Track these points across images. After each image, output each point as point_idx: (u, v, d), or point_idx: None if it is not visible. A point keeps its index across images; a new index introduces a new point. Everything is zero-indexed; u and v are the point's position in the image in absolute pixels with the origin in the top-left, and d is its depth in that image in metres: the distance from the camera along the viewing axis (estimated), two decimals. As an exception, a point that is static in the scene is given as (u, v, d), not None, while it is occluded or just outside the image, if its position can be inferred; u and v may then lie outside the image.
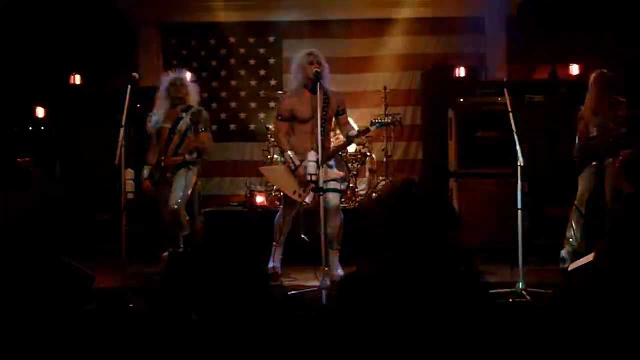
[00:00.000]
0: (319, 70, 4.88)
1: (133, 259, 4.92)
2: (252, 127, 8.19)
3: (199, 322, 2.83)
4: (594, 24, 7.16)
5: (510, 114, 4.87)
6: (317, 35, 7.95)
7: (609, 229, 3.45)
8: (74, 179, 6.73)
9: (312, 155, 4.76)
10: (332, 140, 5.49)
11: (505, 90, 5.04)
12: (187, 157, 5.45)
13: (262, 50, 8.22)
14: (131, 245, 4.64)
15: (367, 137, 5.23)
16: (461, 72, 6.91)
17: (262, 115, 8.12)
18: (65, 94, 6.92)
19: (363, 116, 7.27)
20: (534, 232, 5.39)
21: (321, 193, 4.67)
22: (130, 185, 4.70)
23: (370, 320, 2.13)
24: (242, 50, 8.19)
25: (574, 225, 5.54)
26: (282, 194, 5.21)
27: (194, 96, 5.57)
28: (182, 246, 5.38)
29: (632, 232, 2.12)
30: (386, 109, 7.09)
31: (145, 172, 5.45)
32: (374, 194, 6.88)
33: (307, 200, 5.06)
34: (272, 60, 8.19)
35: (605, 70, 5.55)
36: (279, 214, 5.32)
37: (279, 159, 6.58)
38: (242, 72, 8.18)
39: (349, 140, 5.10)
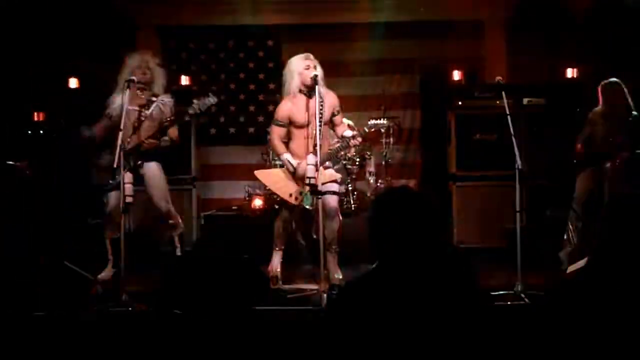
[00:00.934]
0: (317, 73, 4.89)
1: (131, 260, 4.92)
2: (251, 130, 8.20)
3: (197, 323, 2.83)
4: (592, 26, 7.16)
5: (509, 117, 4.87)
6: (316, 39, 7.95)
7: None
8: (71, 181, 6.72)
9: (310, 158, 4.75)
10: (332, 142, 5.48)
11: (504, 93, 5.04)
12: (163, 142, 5.19)
13: (261, 54, 8.23)
14: (129, 248, 4.63)
15: (363, 137, 5.20)
16: (460, 75, 6.91)
17: (261, 119, 8.12)
18: (63, 96, 6.92)
19: (361, 120, 7.26)
20: (533, 234, 5.38)
21: (319, 197, 4.68)
22: (128, 188, 4.64)
23: (367, 325, 2.13)
24: (241, 54, 8.20)
25: (571, 227, 5.56)
26: (279, 197, 5.20)
27: (160, 81, 5.33)
28: (177, 245, 5.32)
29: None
30: (385, 112, 7.09)
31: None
32: (373, 198, 6.89)
33: (307, 206, 5.04)
34: (271, 64, 8.19)
35: (616, 79, 5.60)
36: (277, 217, 5.32)
37: (277, 163, 6.58)
38: (241, 76, 8.19)
39: (344, 142, 5.10)
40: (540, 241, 5.47)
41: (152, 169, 5.27)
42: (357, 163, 6.84)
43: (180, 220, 5.41)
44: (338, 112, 5.18)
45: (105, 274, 5.20)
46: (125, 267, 4.62)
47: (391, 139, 7.29)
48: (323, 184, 4.77)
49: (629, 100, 5.49)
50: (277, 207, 6.41)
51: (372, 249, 2.25)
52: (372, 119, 5.23)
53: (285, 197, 5.08)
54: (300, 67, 5.00)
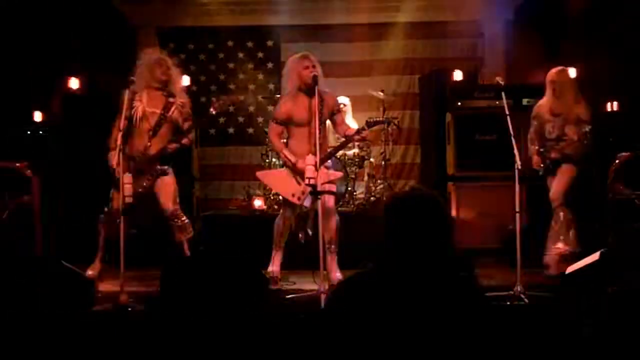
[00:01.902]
0: (316, 74, 4.89)
1: (131, 261, 4.92)
2: (251, 130, 8.21)
3: (198, 325, 2.84)
4: (591, 27, 7.17)
5: (508, 117, 4.88)
6: (315, 40, 7.98)
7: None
8: (71, 182, 6.72)
9: (310, 159, 4.76)
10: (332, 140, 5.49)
11: (503, 93, 5.05)
12: (182, 145, 5.06)
13: (260, 54, 8.24)
14: (128, 249, 4.62)
15: (363, 137, 5.21)
16: (459, 75, 6.91)
17: (260, 119, 8.14)
18: (63, 97, 6.92)
19: (361, 120, 7.27)
20: (532, 235, 5.38)
21: (318, 197, 4.69)
22: (128, 189, 4.62)
23: (367, 325, 2.14)
24: (240, 54, 8.21)
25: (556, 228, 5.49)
26: (280, 197, 5.21)
27: (178, 82, 5.12)
28: (187, 252, 5.14)
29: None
30: (384, 112, 7.10)
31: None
32: (372, 198, 6.89)
33: (306, 203, 5.06)
34: (270, 64, 8.21)
35: (565, 68, 5.52)
36: (278, 217, 5.32)
37: (277, 163, 6.59)
38: (241, 76, 8.20)
39: (347, 139, 5.12)
40: (539, 241, 5.45)
41: (168, 175, 5.14)
42: (356, 163, 6.84)
43: (187, 221, 5.22)
44: (338, 111, 5.18)
45: (93, 271, 5.14)
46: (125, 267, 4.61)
47: (390, 139, 7.29)
48: (322, 184, 4.78)
49: (578, 92, 5.43)
50: (276, 207, 6.46)
51: (384, 247, 2.26)
52: (371, 118, 5.23)
53: (288, 196, 5.09)
54: (300, 66, 5.00)
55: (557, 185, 5.37)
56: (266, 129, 7.11)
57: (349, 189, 6.70)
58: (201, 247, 6.47)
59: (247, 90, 8.16)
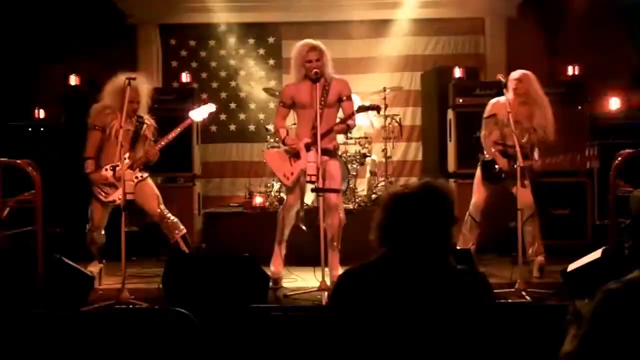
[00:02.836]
0: (317, 70, 4.89)
1: (131, 259, 4.92)
2: (252, 127, 8.21)
3: (199, 321, 2.84)
4: (594, 24, 7.16)
5: (509, 114, 4.87)
6: (317, 36, 7.87)
7: None
8: (72, 179, 6.72)
9: (311, 156, 4.76)
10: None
11: (505, 90, 5.04)
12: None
13: (261, 51, 8.24)
14: (129, 245, 4.62)
15: (365, 137, 5.23)
16: (460, 72, 6.90)
17: (261, 116, 8.13)
18: (64, 94, 6.91)
19: (361, 116, 7.27)
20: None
21: (319, 194, 4.68)
22: (129, 186, 4.63)
23: (367, 317, 2.14)
24: (241, 51, 8.20)
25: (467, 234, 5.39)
26: (282, 190, 5.25)
27: (146, 101, 5.20)
28: (185, 249, 5.18)
29: None
30: (385, 109, 7.09)
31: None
32: (374, 196, 6.88)
33: (307, 200, 5.06)
34: (271, 61, 8.20)
35: (527, 73, 5.19)
36: (281, 207, 5.33)
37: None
38: (242, 73, 8.19)
39: (341, 120, 5.23)
40: (543, 239, 5.43)
41: (146, 180, 5.22)
42: (357, 160, 6.84)
43: (175, 219, 5.24)
44: (348, 97, 5.18)
45: (94, 267, 5.18)
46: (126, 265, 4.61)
47: (392, 136, 7.28)
48: (323, 180, 4.80)
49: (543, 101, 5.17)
50: (277, 203, 6.46)
51: (380, 238, 2.26)
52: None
53: (280, 176, 5.22)
54: (304, 60, 5.02)
55: (527, 194, 5.05)
56: (267, 126, 7.13)
57: (350, 186, 6.70)
58: (202, 244, 6.50)
59: (248, 86, 8.16)
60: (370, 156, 7.07)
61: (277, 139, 6.04)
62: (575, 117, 6.47)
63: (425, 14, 7.99)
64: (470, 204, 5.44)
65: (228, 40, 8.17)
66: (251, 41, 8.23)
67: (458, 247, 5.23)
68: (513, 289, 4.61)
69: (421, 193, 2.24)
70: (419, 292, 2.13)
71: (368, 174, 7.17)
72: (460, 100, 6.65)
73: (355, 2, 8.01)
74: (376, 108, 5.26)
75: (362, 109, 5.23)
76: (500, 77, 5.13)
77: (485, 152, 5.34)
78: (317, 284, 4.67)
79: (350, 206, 6.58)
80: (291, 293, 4.85)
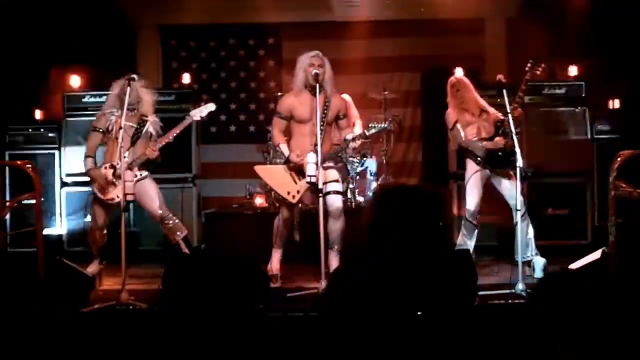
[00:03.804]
0: (318, 71, 4.88)
1: (132, 259, 4.92)
2: (252, 128, 8.22)
3: (198, 321, 2.84)
4: (594, 24, 7.16)
5: (509, 115, 4.87)
6: (317, 37, 7.96)
7: None
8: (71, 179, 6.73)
9: (311, 157, 4.74)
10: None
11: (505, 91, 5.04)
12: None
13: (261, 52, 8.25)
14: (130, 246, 4.63)
15: (365, 139, 5.19)
16: (461, 73, 6.89)
17: (261, 117, 8.14)
18: (64, 95, 6.91)
19: (362, 118, 7.28)
20: (535, 233, 5.36)
21: (320, 195, 4.67)
22: (129, 187, 4.63)
23: (363, 314, 2.14)
24: (241, 52, 8.21)
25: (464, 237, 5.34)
26: (279, 196, 5.18)
27: (148, 103, 5.25)
28: (185, 250, 5.17)
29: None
30: (385, 110, 7.09)
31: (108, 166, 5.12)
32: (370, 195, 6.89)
33: (306, 200, 5.04)
34: (271, 62, 8.21)
35: (457, 76, 5.50)
36: (276, 217, 5.30)
37: (278, 161, 6.57)
38: (242, 74, 8.20)
39: (346, 143, 5.08)
40: (542, 240, 5.43)
41: (146, 180, 5.21)
42: (357, 162, 6.83)
43: (177, 221, 5.26)
44: (344, 115, 5.15)
45: (93, 268, 5.20)
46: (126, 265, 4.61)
47: (392, 137, 7.29)
48: (324, 183, 4.76)
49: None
50: (277, 204, 6.45)
51: (372, 238, 2.27)
52: (373, 123, 5.18)
53: (284, 194, 5.05)
54: (306, 63, 5.00)
55: (517, 190, 4.93)
56: (267, 127, 7.12)
57: (351, 186, 6.70)
58: (203, 245, 6.50)
59: (248, 87, 8.17)
60: (370, 157, 7.06)
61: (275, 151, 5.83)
62: (575, 117, 6.48)
63: (426, 15, 8.00)
64: (464, 210, 5.43)
65: (228, 41, 8.17)
66: (251, 42, 8.24)
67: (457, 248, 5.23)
68: (513, 290, 4.60)
69: (413, 189, 2.24)
70: (413, 289, 2.13)
71: (368, 175, 7.16)
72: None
73: (355, 2, 8.02)
74: (384, 128, 5.18)
75: (370, 130, 5.06)
76: (501, 77, 5.13)
77: (476, 151, 5.34)
78: (316, 285, 4.66)
79: (351, 207, 6.58)
80: (290, 294, 4.85)
